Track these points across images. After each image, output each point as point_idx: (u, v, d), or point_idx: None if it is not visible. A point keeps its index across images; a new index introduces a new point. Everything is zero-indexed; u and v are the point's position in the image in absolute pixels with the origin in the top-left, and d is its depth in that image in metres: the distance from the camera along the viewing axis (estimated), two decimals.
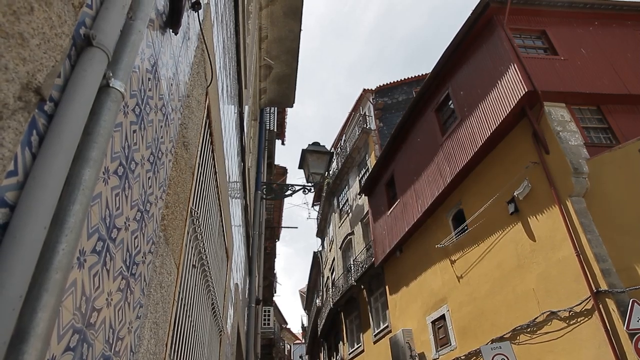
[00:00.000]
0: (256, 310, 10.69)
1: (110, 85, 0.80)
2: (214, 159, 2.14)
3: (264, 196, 7.06)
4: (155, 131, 1.17)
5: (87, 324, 0.80)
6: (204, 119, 1.82)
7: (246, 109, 4.99)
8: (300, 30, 6.63)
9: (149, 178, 1.12)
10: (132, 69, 0.94)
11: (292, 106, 8.18)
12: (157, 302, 1.20)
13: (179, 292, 1.48)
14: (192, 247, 1.69)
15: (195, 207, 1.67)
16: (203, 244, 1.86)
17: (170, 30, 1.23)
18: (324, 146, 7.28)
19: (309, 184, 7.05)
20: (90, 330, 0.82)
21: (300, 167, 7.30)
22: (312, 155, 7.10)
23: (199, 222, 1.74)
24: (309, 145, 7.25)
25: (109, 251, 0.90)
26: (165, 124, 1.27)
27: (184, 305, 1.64)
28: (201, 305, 1.98)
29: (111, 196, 0.91)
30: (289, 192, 7.47)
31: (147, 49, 1.06)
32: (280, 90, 7.66)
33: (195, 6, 1.55)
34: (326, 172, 7.45)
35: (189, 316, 1.73)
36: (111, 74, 0.81)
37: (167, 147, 1.29)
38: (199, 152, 1.71)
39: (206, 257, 1.96)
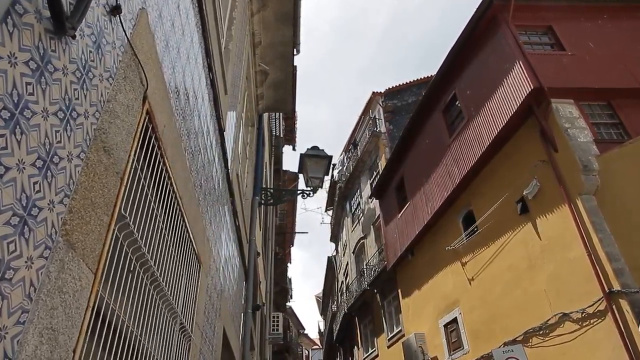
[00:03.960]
0: (263, 317, 10.70)
1: None
2: (165, 164, 2.14)
3: (262, 202, 7.07)
4: (45, 136, 1.17)
5: None
6: (141, 123, 1.82)
7: (233, 115, 5.00)
8: (293, 35, 6.64)
9: (34, 183, 1.12)
10: None
11: (289, 111, 8.19)
12: (53, 308, 1.19)
13: (100, 298, 1.48)
14: (125, 252, 1.69)
15: (128, 213, 1.68)
16: (145, 249, 1.86)
17: (67, 36, 1.23)
18: (322, 150, 7.25)
19: (308, 189, 7.03)
20: None
21: (299, 171, 7.29)
22: (310, 159, 7.09)
23: (135, 228, 1.74)
24: (307, 149, 7.24)
25: None
26: (65, 129, 1.27)
27: (117, 310, 1.64)
28: (149, 310, 1.98)
29: None
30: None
31: (21, 53, 1.06)
32: (277, 96, 7.67)
33: (115, 11, 1.56)
34: (326, 176, 7.40)
35: (126, 321, 1.72)
36: None
37: (69, 153, 1.28)
38: (132, 158, 1.71)
39: (153, 261, 1.96)
